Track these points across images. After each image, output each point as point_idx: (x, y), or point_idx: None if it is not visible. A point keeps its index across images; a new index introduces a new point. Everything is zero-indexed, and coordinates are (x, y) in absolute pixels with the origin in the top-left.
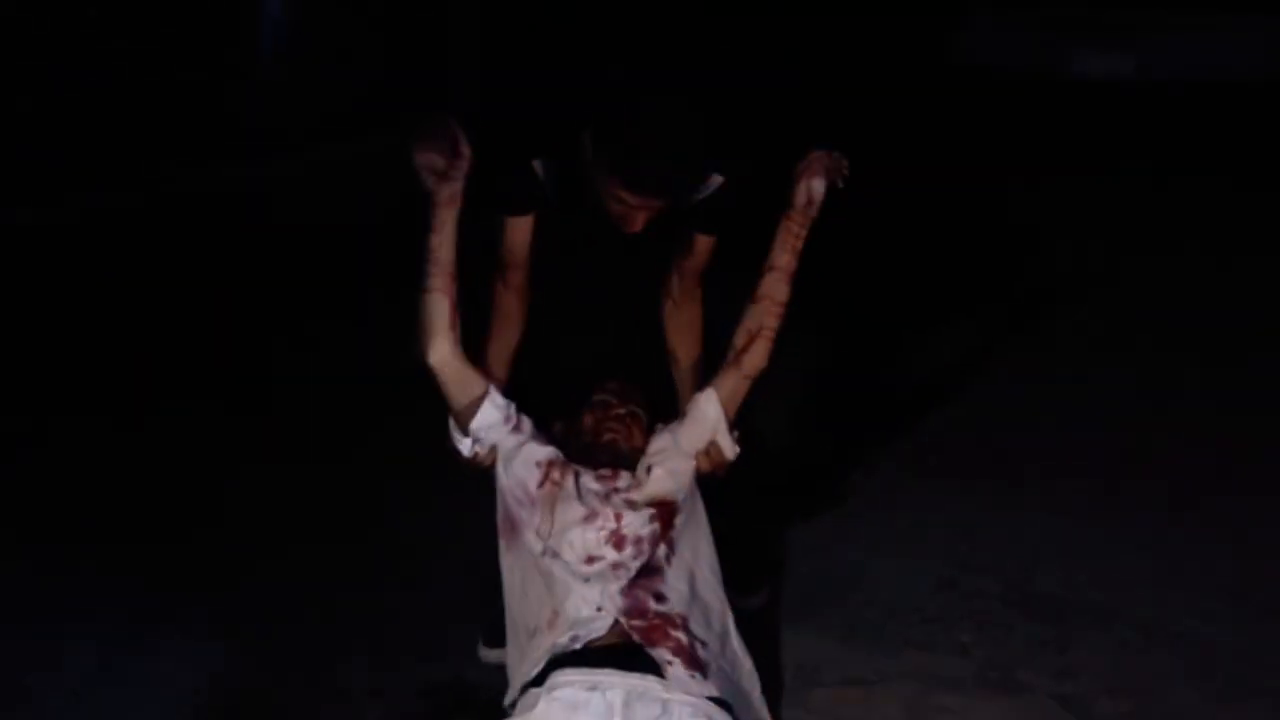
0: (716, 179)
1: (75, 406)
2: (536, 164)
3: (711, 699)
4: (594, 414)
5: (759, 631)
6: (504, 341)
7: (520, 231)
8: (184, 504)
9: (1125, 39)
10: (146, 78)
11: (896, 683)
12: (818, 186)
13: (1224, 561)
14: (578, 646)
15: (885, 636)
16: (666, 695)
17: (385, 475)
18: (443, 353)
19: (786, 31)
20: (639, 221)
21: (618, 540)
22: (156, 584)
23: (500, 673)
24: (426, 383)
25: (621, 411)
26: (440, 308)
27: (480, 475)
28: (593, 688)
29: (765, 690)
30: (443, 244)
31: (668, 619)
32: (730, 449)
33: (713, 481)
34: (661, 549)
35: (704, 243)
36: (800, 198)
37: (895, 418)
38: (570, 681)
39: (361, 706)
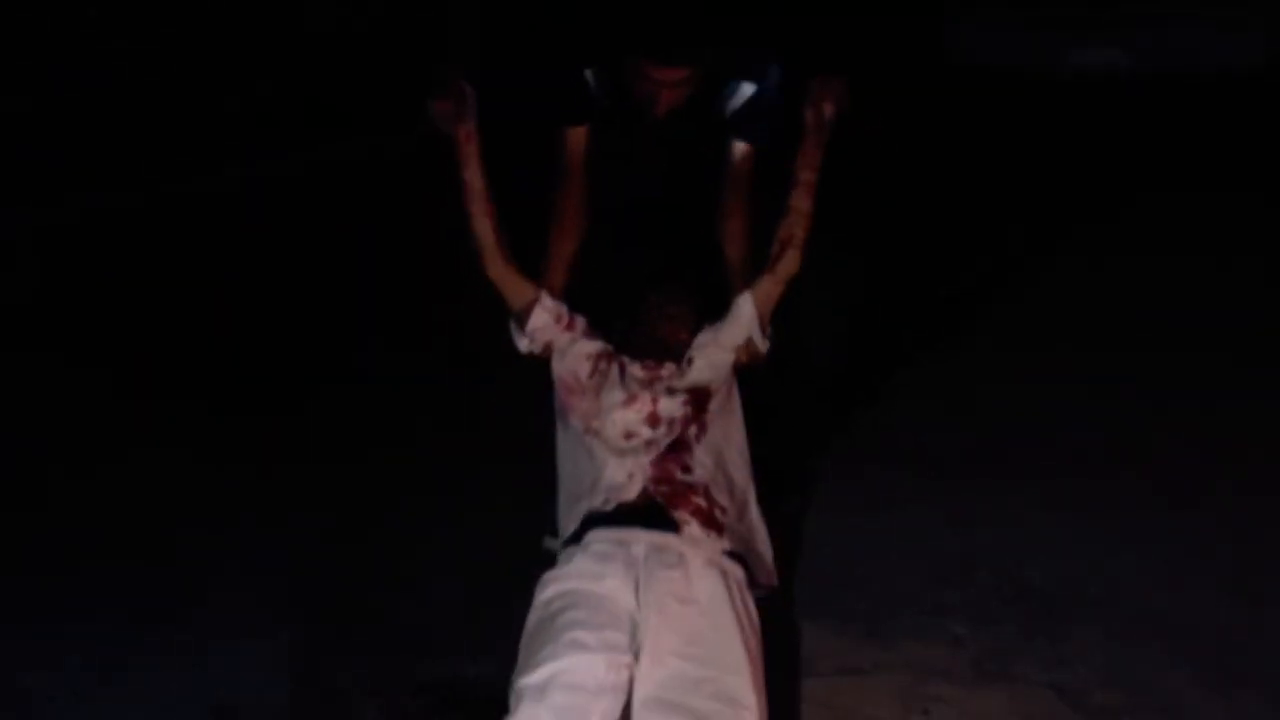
0: (748, 88)
1: (73, 407)
2: (588, 74)
3: (726, 553)
4: (647, 313)
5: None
6: (563, 248)
7: (576, 141)
8: (181, 503)
9: (1119, 32)
10: (147, 77)
11: (891, 673)
12: (828, 109)
13: (1218, 554)
14: (609, 508)
15: (880, 628)
16: (682, 549)
17: (383, 476)
18: (496, 266)
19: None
20: (664, 102)
21: (653, 420)
22: (155, 584)
23: (497, 669)
24: (424, 386)
25: (671, 311)
26: (484, 228)
27: (540, 364)
28: (620, 543)
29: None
30: (473, 175)
31: (690, 487)
32: (762, 345)
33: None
34: (692, 429)
35: (742, 150)
36: (812, 120)
37: (891, 412)
38: (601, 538)
39: (358, 705)
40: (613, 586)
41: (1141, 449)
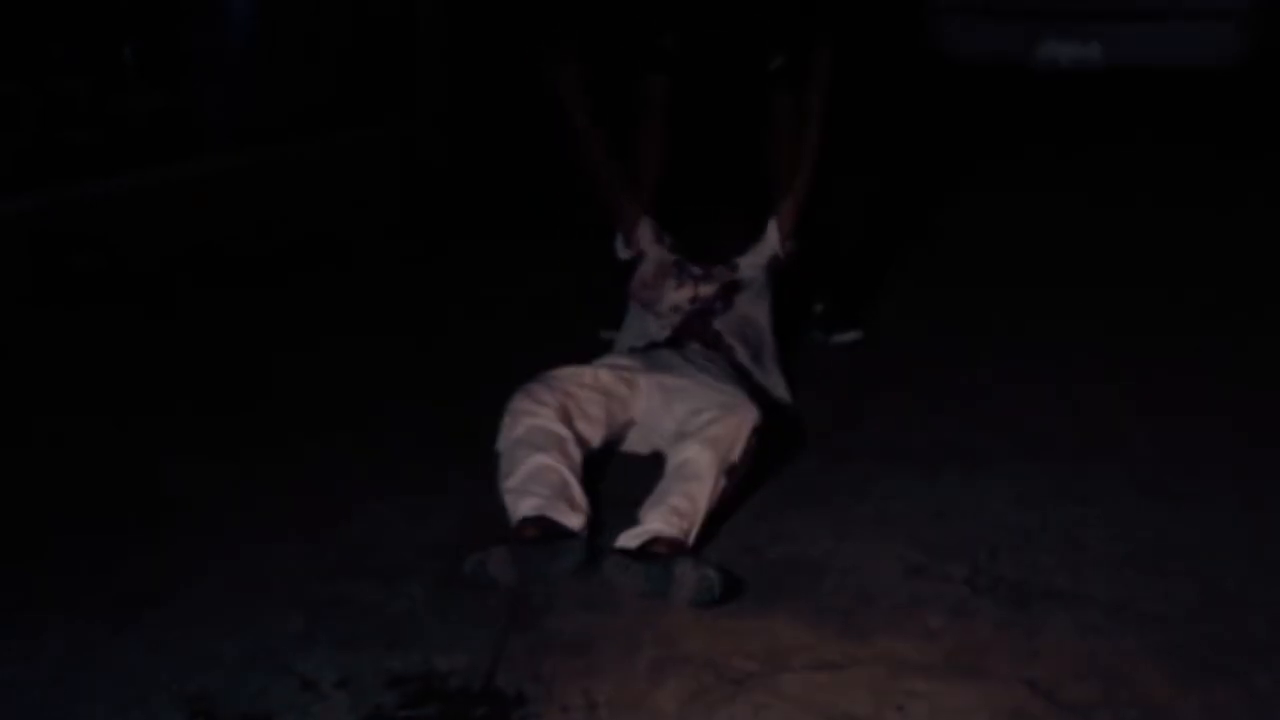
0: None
1: (50, 402)
2: (668, 38)
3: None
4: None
5: (726, 615)
6: (649, 176)
7: (659, 88)
8: (155, 495)
9: (1091, 27)
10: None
11: (865, 667)
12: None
13: (1191, 546)
14: (641, 344)
15: (854, 622)
16: (683, 356)
17: (354, 466)
18: (614, 191)
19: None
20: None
21: (694, 299)
22: (130, 574)
23: (470, 661)
24: (396, 379)
25: (725, 227)
26: (607, 163)
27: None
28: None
29: (733, 673)
30: (590, 121)
31: (707, 331)
32: (784, 255)
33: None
34: (718, 304)
35: (781, 103)
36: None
37: (862, 403)
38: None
39: (328, 696)
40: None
41: (1115, 440)
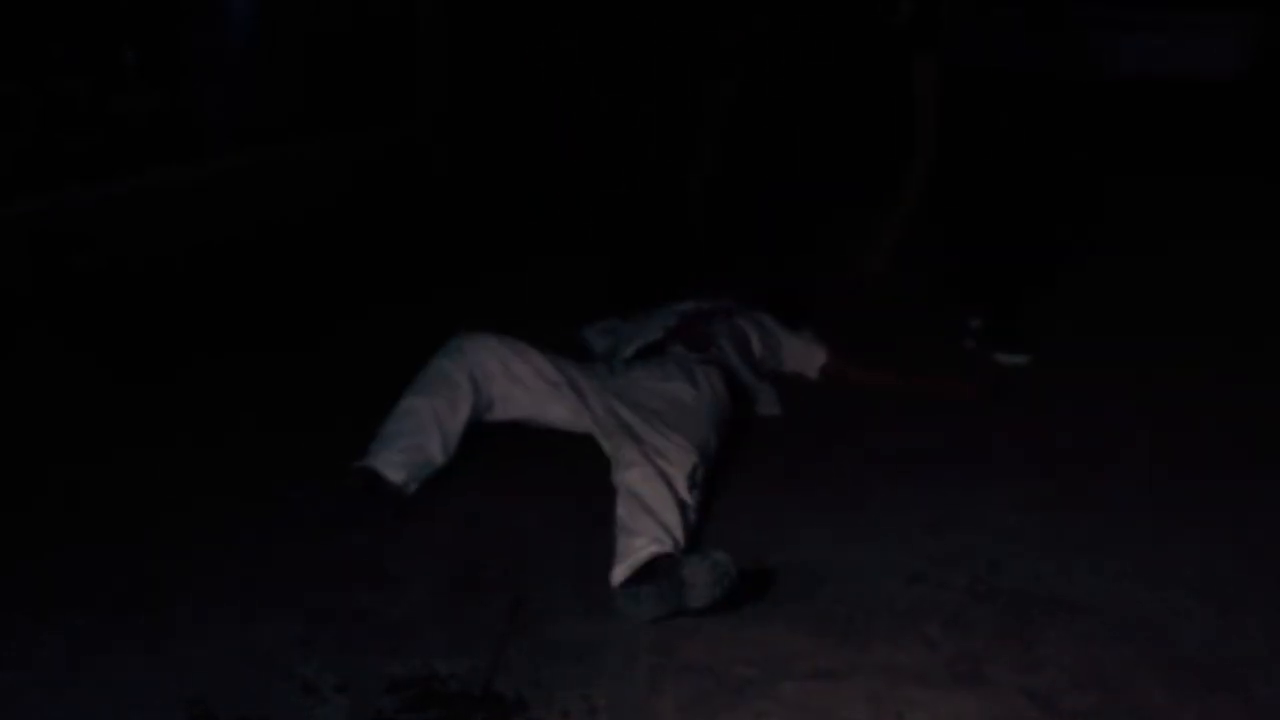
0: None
1: (54, 397)
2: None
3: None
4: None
5: (726, 623)
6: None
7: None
8: (158, 495)
9: (1098, 41)
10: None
11: (864, 676)
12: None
13: (1191, 556)
14: (630, 353)
15: (853, 630)
16: (664, 372)
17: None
18: None
19: None
20: None
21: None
22: (130, 576)
23: (471, 666)
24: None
25: None
26: None
27: None
28: None
29: (733, 680)
30: None
31: (699, 334)
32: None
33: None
34: (719, 316)
35: (925, 69)
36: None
37: (862, 410)
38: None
39: (329, 700)
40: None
41: (1116, 450)
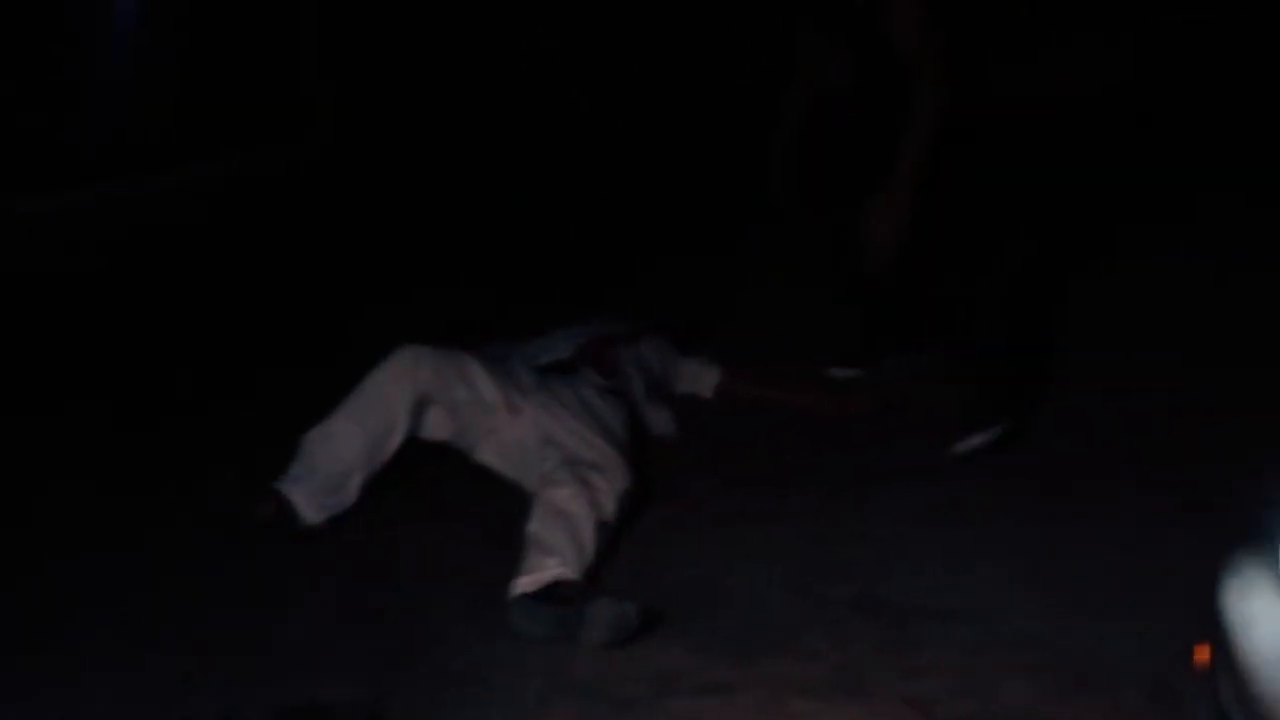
0: None
1: None
2: None
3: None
4: None
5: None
6: None
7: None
8: (39, 528)
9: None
10: None
11: (751, 690)
12: None
13: (1065, 567)
14: (544, 361)
15: (741, 645)
16: (576, 393)
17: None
18: None
19: None
20: None
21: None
22: (13, 614)
23: (355, 693)
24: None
25: None
26: None
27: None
28: None
29: (622, 699)
30: None
31: (606, 357)
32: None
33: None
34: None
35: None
36: None
37: (751, 428)
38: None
39: None
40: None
41: (991, 463)
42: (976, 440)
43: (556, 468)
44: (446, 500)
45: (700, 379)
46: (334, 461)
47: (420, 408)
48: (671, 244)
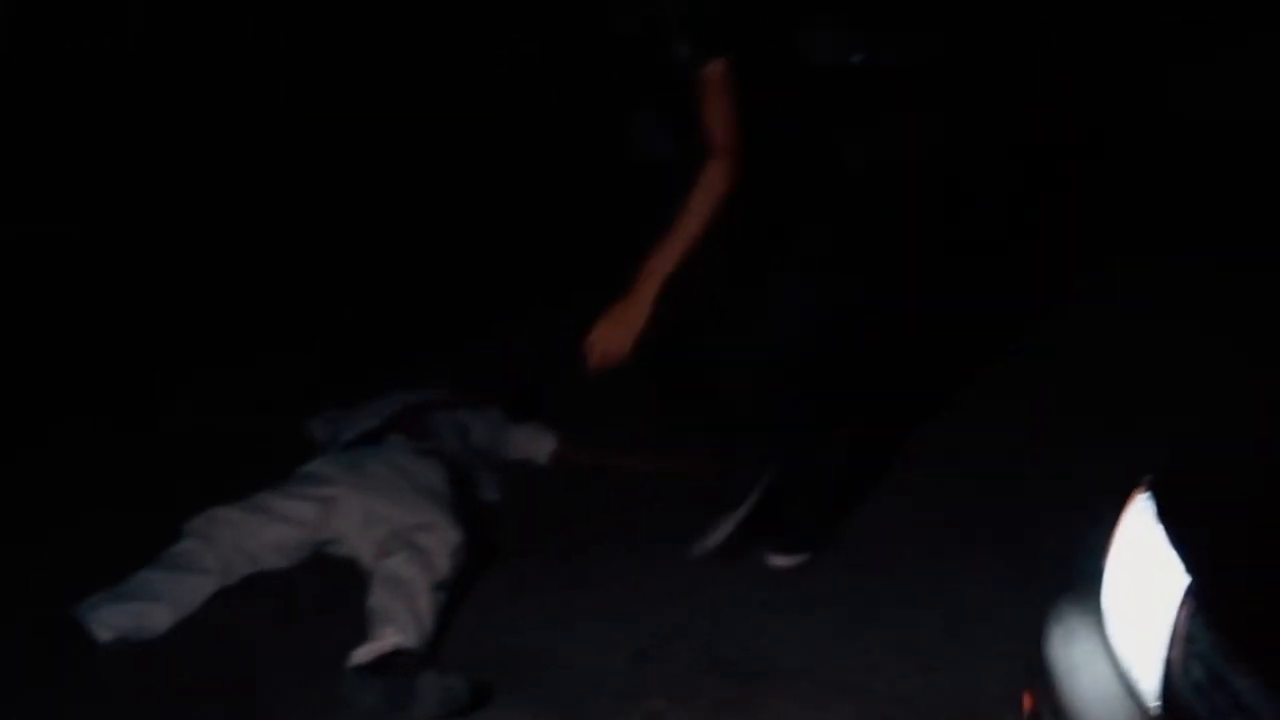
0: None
1: None
2: None
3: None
4: None
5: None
6: None
7: None
8: None
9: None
10: None
11: None
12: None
13: (892, 616)
14: (352, 436)
15: (579, 711)
16: (388, 462)
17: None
18: None
19: None
20: None
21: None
22: None
23: None
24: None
25: None
26: None
27: None
28: None
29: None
30: None
31: (417, 424)
32: None
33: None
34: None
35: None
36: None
37: (584, 492)
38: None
39: None
40: None
41: (830, 520)
42: (720, 534)
43: (386, 538)
44: (274, 576)
45: (534, 445)
46: (142, 589)
47: (230, 569)
48: (508, 304)
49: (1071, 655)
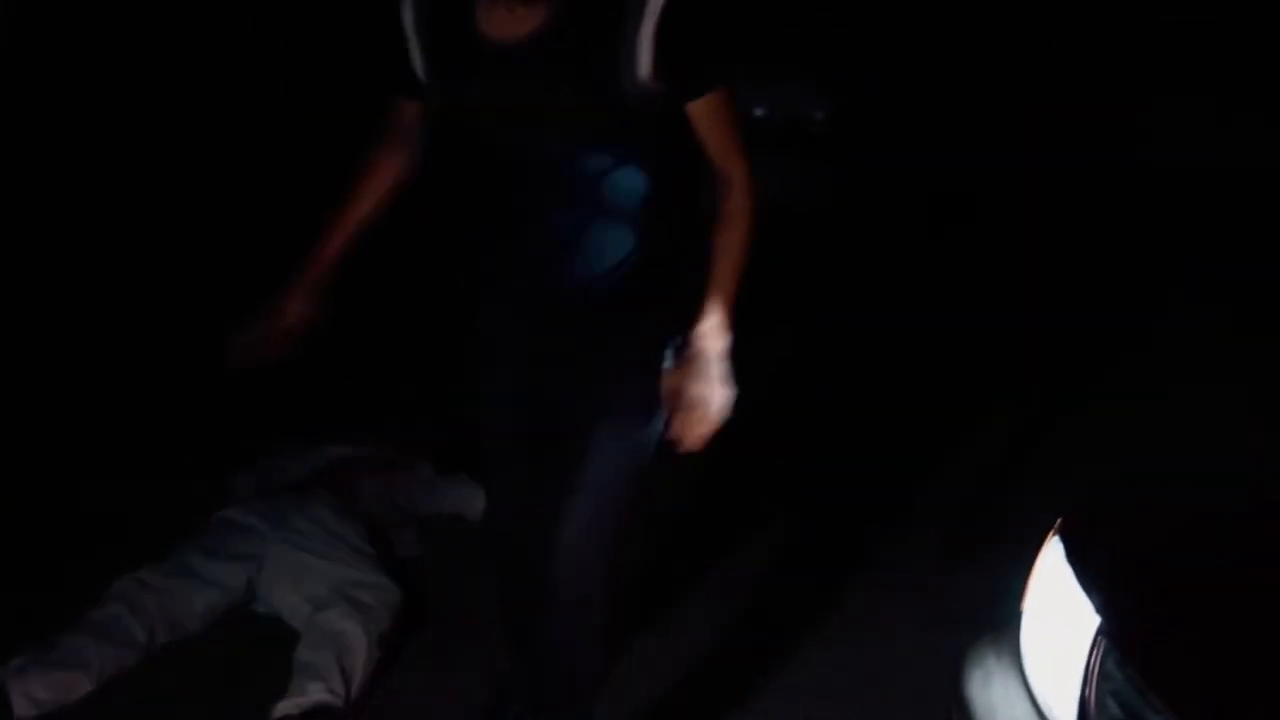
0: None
1: None
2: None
3: None
4: None
5: None
6: None
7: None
8: None
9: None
10: None
11: None
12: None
13: (817, 670)
14: (272, 486)
15: None
16: (311, 517)
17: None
18: None
19: None
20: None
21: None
22: None
23: None
24: None
25: None
26: None
27: None
28: None
29: None
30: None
31: (338, 480)
32: None
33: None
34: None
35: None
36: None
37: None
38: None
39: None
40: None
41: (724, 575)
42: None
43: (324, 593)
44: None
45: (465, 500)
46: (66, 657)
47: (161, 634)
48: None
49: (990, 697)
